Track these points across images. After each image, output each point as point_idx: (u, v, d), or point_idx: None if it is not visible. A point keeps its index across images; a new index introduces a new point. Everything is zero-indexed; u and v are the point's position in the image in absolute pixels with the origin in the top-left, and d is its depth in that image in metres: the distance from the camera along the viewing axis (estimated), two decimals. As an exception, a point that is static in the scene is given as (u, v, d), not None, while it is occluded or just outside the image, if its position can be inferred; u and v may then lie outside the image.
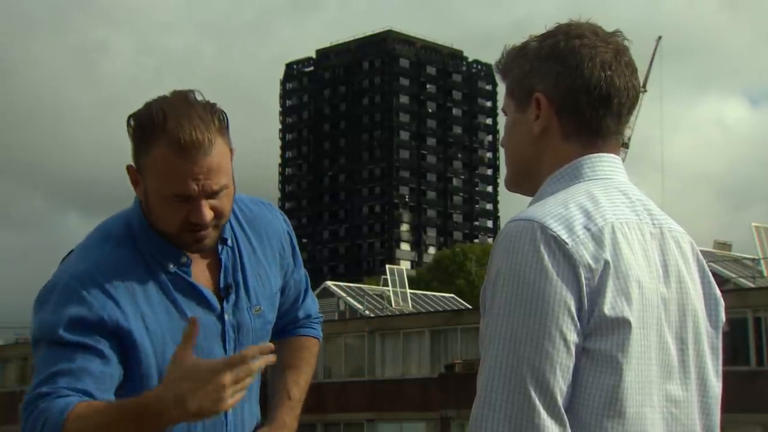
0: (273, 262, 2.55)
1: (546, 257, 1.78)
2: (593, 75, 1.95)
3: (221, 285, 2.41)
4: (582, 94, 1.95)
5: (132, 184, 2.37)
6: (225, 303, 2.41)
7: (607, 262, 1.81)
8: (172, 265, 2.36)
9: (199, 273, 2.41)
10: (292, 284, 2.65)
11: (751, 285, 33.54)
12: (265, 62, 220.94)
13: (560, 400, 1.75)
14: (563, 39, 1.98)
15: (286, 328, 2.67)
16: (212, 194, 2.29)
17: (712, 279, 2.01)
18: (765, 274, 34.56)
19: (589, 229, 1.83)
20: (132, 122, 2.31)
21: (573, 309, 1.77)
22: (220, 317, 2.40)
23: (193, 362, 2.07)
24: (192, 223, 2.30)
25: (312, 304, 2.73)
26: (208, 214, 2.30)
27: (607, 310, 1.79)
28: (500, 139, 2.09)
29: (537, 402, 1.74)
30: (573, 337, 1.77)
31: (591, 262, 1.80)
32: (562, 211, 1.84)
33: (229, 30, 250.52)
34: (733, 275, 35.05)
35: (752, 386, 26.78)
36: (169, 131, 2.24)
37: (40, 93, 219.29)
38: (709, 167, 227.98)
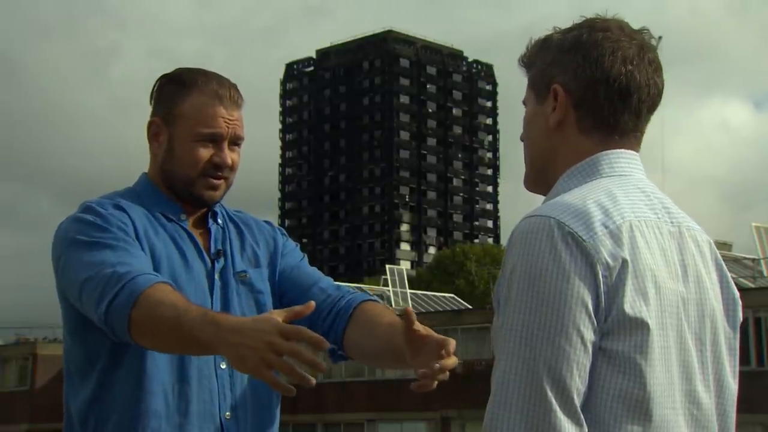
0: (261, 241, 2.67)
1: (563, 254, 1.75)
2: (613, 68, 1.91)
3: (212, 250, 2.57)
4: (601, 86, 1.91)
5: (150, 139, 2.59)
6: (216, 263, 2.55)
7: (625, 261, 1.77)
8: (172, 216, 2.56)
9: (195, 236, 2.58)
10: (292, 263, 2.67)
11: (752, 285, 33.51)
12: (267, 64, 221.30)
13: (577, 400, 1.72)
14: (587, 32, 1.95)
15: (344, 303, 2.58)
16: (236, 140, 2.56)
17: (730, 279, 1.98)
18: (765, 274, 34.53)
19: (607, 227, 1.79)
20: (165, 78, 2.60)
21: (590, 307, 1.73)
22: (210, 275, 2.53)
23: (271, 320, 2.06)
24: (215, 165, 2.53)
25: (353, 290, 2.67)
26: (230, 158, 2.54)
27: (626, 309, 1.76)
28: (520, 134, 2.05)
29: (553, 401, 1.70)
30: (590, 335, 1.73)
31: (609, 260, 1.76)
32: (579, 207, 1.81)
33: (238, 35, 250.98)
34: (733, 275, 34.99)
35: (752, 386, 26.79)
36: (209, 84, 2.55)
37: (52, 95, 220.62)
38: (713, 169, 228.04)
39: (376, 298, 2.64)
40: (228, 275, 2.55)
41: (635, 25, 2.02)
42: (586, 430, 1.73)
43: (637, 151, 1.97)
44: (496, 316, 1.81)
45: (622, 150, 1.94)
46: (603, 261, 1.76)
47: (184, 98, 2.54)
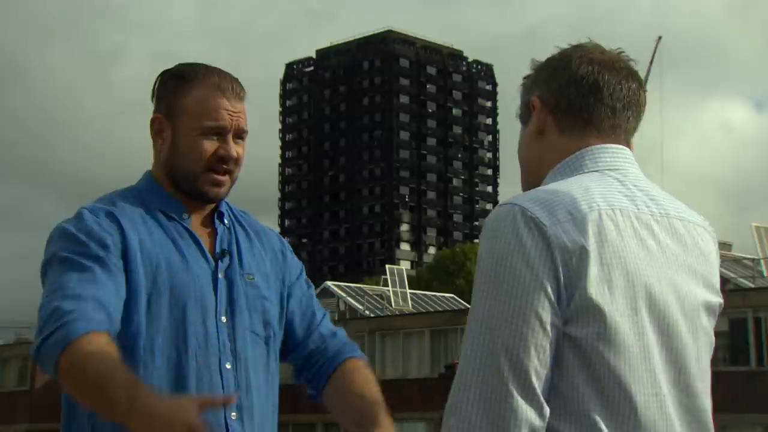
0: (269, 253, 2.65)
1: (524, 238, 1.79)
2: (581, 68, 2.00)
3: (217, 250, 2.54)
4: (572, 86, 1.99)
5: (153, 136, 2.57)
6: (220, 263, 2.52)
7: (587, 248, 1.80)
8: (174, 215, 2.53)
9: (198, 235, 2.55)
10: (298, 294, 2.68)
11: (751, 285, 33.50)
12: (268, 65, 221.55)
13: (536, 381, 1.75)
14: (559, 51, 2.05)
15: (330, 356, 2.65)
16: (240, 133, 2.54)
17: (716, 270, 1.99)
18: (765, 274, 34.52)
19: (572, 214, 1.82)
20: (167, 74, 2.58)
21: (550, 290, 1.77)
22: (214, 274, 2.50)
23: (189, 405, 2.11)
24: (219, 157, 2.50)
25: (340, 330, 2.73)
26: (235, 151, 2.52)
27: (587, 295, 1.78)
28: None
29: (510, 382, 1.74)
30: (549, 318, 1.76)
31: (569, 245, 1.79)
32: (546, 196, 1.85)
33: (241, 37, 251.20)
34: (733, 275, 34.99)
35: (752, 386, 26.76)
36: (211, 77, 2.54)
37: (56, 96, 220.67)
38: (714, 169, 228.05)
39: (360, 354, 2.67)
40: (234, 274, 2.53)
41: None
42: (547, 411, 1.76)
43: (623, 145, 2.01)
44: None
45: (607, 145, 1.98)
46: (563, 246, 1.79)
47: (186, 92, 2.52)
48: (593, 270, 1.79)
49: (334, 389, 2.62)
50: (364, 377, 2.60)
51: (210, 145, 2.50)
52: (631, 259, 1.84)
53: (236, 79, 2.57)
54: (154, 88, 2.59)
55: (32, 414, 41.90)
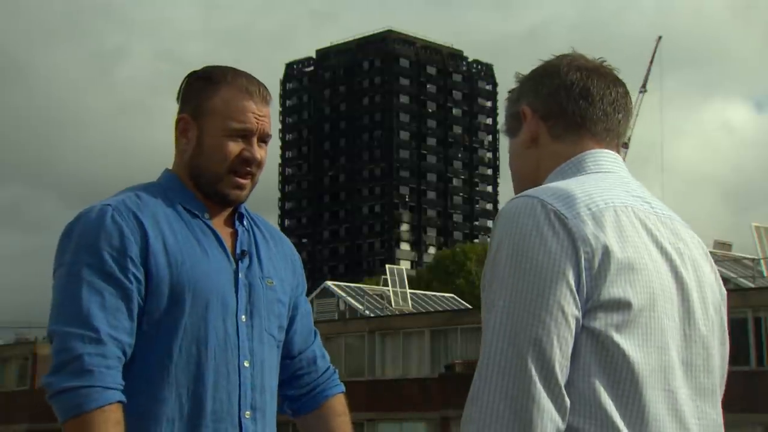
0: (283, 259, 2.68)
1: (545, 230, 1.79)
2: (569, 74, 2.02)
3: (237, 250, 2.56)
4: (562, 92, 2.01)
5: (178, 135, 2.58)
6: (240, 263, 2.54)
7: (606, 241, 1.81)
8: (197, 213, 2.54)
9: (220, 234, 2.56)
10: (303, 308, 2.72)
11: (751, 285, 33.51)
12: (269, 65, 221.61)
13: (560, 373, 1.76)
14: (546, 61, 2.07)
15: (319, 386, 2.74)
16: (264, 137, 2.57)
17: (714, 267, 2.01)
18: (765, 274, 34.53)
19: (590, 209, 1.84)
20: (194, 75, 2.60)
21: (572, 282, 1.77)
22: (235, 273, 2.52)
23: None
24: (244, 159, 2.52)
25: (326, 353, 2.81)
26: (259, 154, 2.55)
27: (608, 289, 1.79)
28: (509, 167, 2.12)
29: (534, 373, 1.74)
30: (572, 310, 1.77)
31: (590, 238, 1.80)
32: (563, 190, 1.86)
33: (243, 37, 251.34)
34: (733, 275, 35.00)
35: (752, 386, 26.77)
36: (239, 80, 2.56)
37: (58, 96, 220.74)
38: (714, 169, 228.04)
39: (341, 387, 2.78)
40: (254, 276, 2.55)
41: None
42: (568, 402, 1.76)
43: (615, 151, 2.04)
44: (484, 294, 1.85)
45: (603, 150, 2.01)
46: (585, 239, 1.80)
47: (213, 93, 2.54)
48: (614, 264, 1.80)
49: (317, 426, 2.73)
50: (346, 424, 2.74)
51: (235, 147, 2.52)
52: (647, 254, 1.86)
53: (263, 84, 2.59)
54: (180, 88, 2.61)
55: (32, 414, 41.89)
